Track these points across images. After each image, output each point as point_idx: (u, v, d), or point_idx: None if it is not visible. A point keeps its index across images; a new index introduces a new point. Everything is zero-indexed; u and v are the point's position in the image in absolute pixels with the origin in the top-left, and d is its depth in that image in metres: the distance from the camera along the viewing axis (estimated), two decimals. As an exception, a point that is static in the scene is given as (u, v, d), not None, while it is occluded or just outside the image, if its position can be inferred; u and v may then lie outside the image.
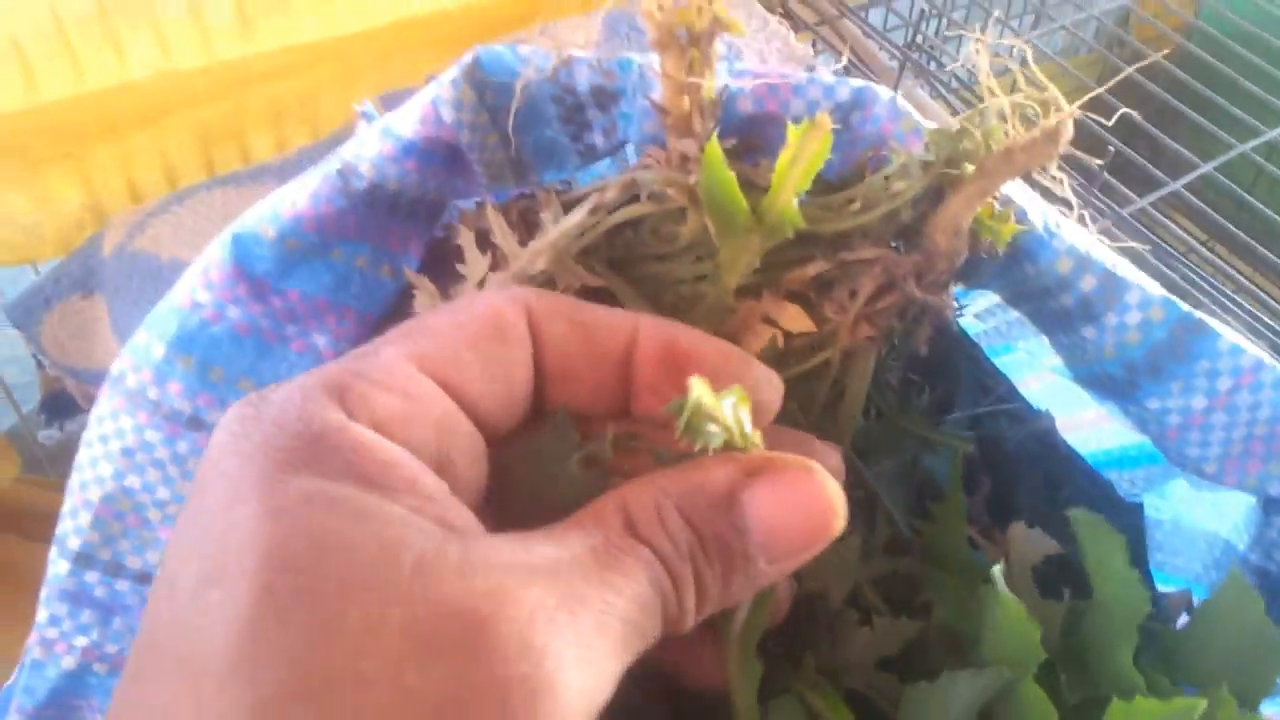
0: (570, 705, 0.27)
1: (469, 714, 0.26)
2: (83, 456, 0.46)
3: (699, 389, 0.30)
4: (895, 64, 1.11)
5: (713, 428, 0.31)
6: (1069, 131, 0.36)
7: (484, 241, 0.45)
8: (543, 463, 0.37)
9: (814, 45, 1.16)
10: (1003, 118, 0.37)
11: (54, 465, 0.97)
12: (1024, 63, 0.37)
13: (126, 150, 0.89)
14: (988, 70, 0.38)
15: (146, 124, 0.88)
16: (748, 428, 0.33)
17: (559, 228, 0.42)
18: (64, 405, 0.95)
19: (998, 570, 0.39)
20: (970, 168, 0.39)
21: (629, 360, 0.36)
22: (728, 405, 0.32)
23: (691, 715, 0.41)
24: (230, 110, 0.90)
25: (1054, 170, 0.39)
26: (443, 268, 0.48)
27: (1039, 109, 0.37)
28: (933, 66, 1.12)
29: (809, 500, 0.33)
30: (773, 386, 0.37)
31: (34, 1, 0.80)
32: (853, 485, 0.48)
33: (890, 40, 1.15)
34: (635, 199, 0.43)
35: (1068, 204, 0.41)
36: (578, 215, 0.42)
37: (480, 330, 0.34)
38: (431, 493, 0.30)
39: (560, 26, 0.87)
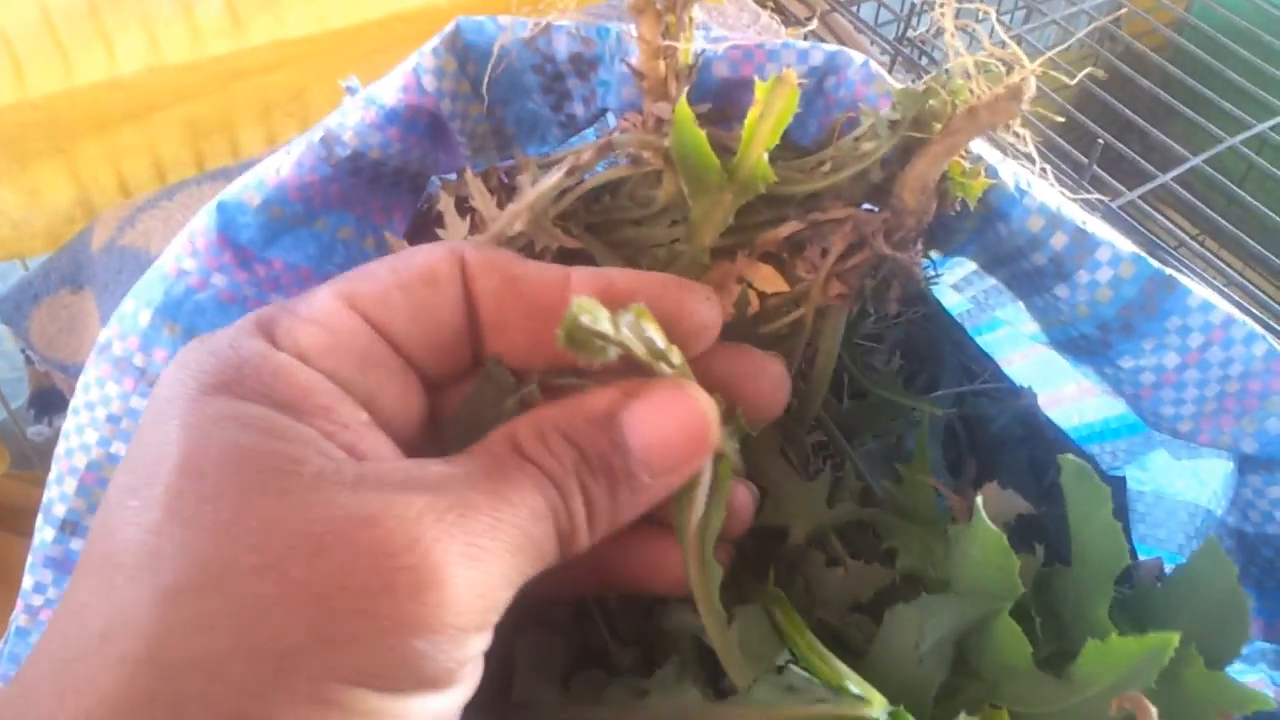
0: (459, 601, 0.29)
1: (356, 603, 0.28)
2: (69, 424, 0.46)
3: (578, 304, 0.32)
4: (886, 58, 1.12)
5: (600, 343, 0.32)
6: (1031, 89, 0.37)
7: (464, 207, 0.46)
8: (479, 408, 0.38)
9: (805, 39, 1.16)
10: (967, 75, 0.38)
11: (43, 461, 0.97)
12: (992, 32, 0.38)
13: (116, 145, 0.89)
14: (952, 30, 0.38)
15: (136, 119, 0.89)
16: (658, 343, 0.35)
17: (535, 190, 0.43)
18: (53, 401, 0.95)
19: (980, 501, 0.39)
20: (937, 126, 0.40)
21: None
22: (625, 322, 0.33)
23: (660, 654, 0.42)
24: (220, 105, 0.91)
25: (1042, 163, 0.40)
26: (426, 239, 0.48)
27: (1002, 68, 0.37)
28: (924, 61, 1.13)
29: (683, 415, 0.35)
30: (711, 305, 0.38)
31: (23, -3, 0.80)
32: (821, 452, 0.49)
33: (881, 35, 1.15)
34: (613, 163, 0.44)
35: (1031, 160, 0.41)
36: (554, 177, 0.42)
37: (412, 275, 0.36)
38: (345, 420, 0.32)
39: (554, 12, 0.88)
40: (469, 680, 0.31)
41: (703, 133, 0.39)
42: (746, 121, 0.39)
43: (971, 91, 0.38)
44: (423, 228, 0.50)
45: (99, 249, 0.85)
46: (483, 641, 0.31)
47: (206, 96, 0.91)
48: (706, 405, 0.36)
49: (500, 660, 0.41)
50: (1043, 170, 0.41)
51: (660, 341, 0.35)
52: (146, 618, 0.27)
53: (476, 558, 0.30)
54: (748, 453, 0.42)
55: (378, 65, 0.97)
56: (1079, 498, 0.41)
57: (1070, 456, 0.40)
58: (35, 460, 0.98)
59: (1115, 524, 0.40)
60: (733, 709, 0.38)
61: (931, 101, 0.39)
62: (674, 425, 0.35)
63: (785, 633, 0.39)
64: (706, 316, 0.38)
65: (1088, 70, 0.43)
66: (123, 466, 0.31)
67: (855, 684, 0.37)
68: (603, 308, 0.32)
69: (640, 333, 0.34)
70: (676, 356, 0.36)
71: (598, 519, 0.34)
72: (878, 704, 0.36)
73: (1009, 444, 0.67)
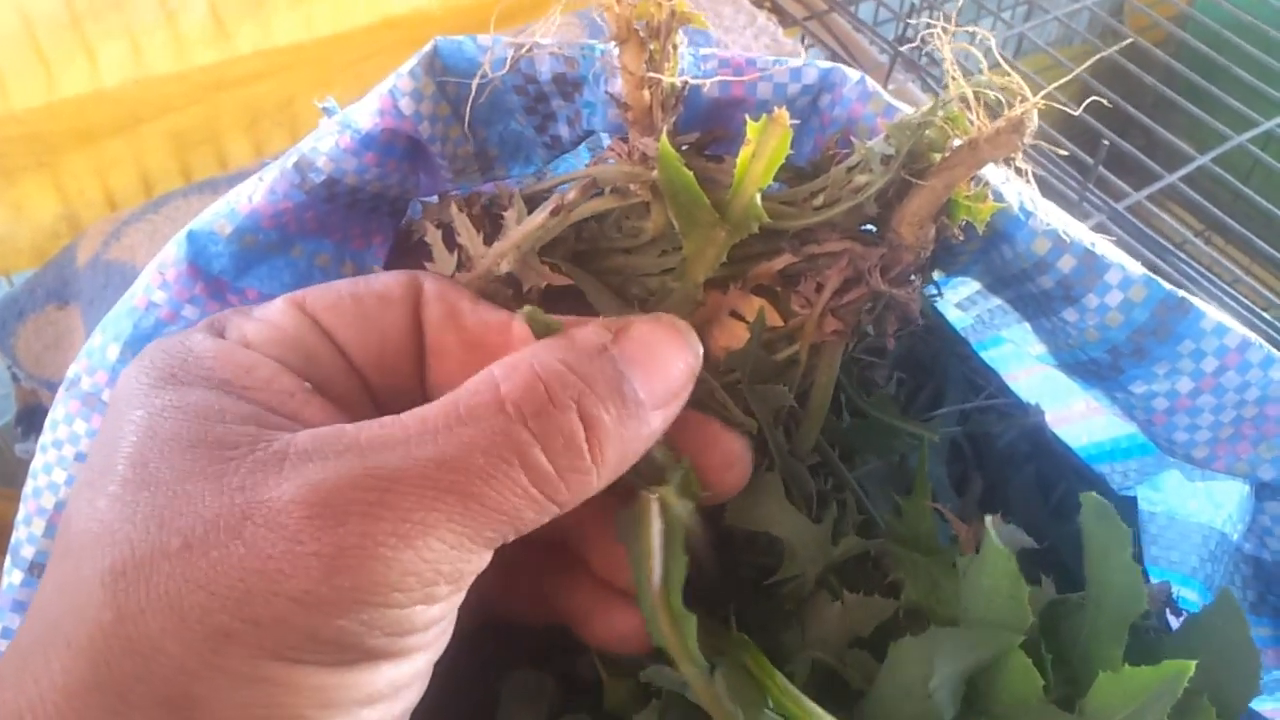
0: (382, 583, 0.29)
1: (272, 585, 0.28)
2: (37, 463, 0.44)
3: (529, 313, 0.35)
4: (886, 58, 1.10)
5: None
6: (1034, 122, 0.35)
7: (449, 235, 0.44)
8: None
9: (802, 40, 1.15)
10: (967, 104, 0.36)
11: (32, 479, 0.96)
12: (988, 53, 0.36)
13: (101, 158, 0.88)
14: (951, 58, 0.37)
15: (121, 131, 0.87)
16: None
17: (520, 229, 0.41)
18: (40, 419, 0.93)
19: (990, 521, 0.38)
20: (937, 156, 0.38)
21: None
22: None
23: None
24: (206, 115, 0.89)
25: (1046, 166, 0.38)
26: (408, 264, 0.46)
27: (1006, 99, 0.36)
28: (924, 61, 1.11)
29: (667, 341, 0.36)
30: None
31: (3, 8, 0.79)
32: (822, 471, 0.47)
33: (880, 35, 1.14)
34: (599, 194, 0.43)
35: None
36: (539, 217, 0.41)
37: (367, 290, 0.38)
38: (288, 388, 0.34)
39: (542, 27, 0.86)
40: (430, 646, 0.32)
41: (690, 173, 0.38)
42: (739, 161, 0.38)
43: (971, 122, 0.36)
44: (405, 253, 0.48)
45: (85, 264, 0.83)
46: (440, 609, 0.31)
47: (192, 107, 0.89)
48: (683, 327, 0.37)
49: (485, 695, 0.40)
50: (1046, 174, 0.39)
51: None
52: (88, 604, 0.28)
53: (406, 535, 0.29)
54: (751, 502, 0.42)
55: (366, 72, 0.96)
56: (1098, 536, 0.39)
57: (1093, 494, 0.39)
58: (22, 478, 0.96)
59: (1135, 566, 0.38)
60: None
61: (928, 132, 0.38)
62: (663, 352, 0.35)
63: (759, 681, 0.38)
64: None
65: (1091, 60, 0.41)
66: (86, 462, 0.33)
67: None
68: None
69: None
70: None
71: (607, 445, 0.33)
72: None
73: (1016, 460, 0.65)
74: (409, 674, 0.31)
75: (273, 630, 0.28)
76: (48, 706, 0.27)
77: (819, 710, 0.37)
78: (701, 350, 0.37)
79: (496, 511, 0.31)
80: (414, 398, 0.38)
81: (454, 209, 0.43)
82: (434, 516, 0.30)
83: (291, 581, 0.28)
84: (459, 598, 0.32)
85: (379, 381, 0.38)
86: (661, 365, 0.35)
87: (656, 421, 0.35)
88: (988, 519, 0.41)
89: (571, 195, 0.41)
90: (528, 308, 0.35)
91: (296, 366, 0.35)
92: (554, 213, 0.41)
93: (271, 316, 0.36)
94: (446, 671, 0.39)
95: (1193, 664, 0.34)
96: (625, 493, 0.37)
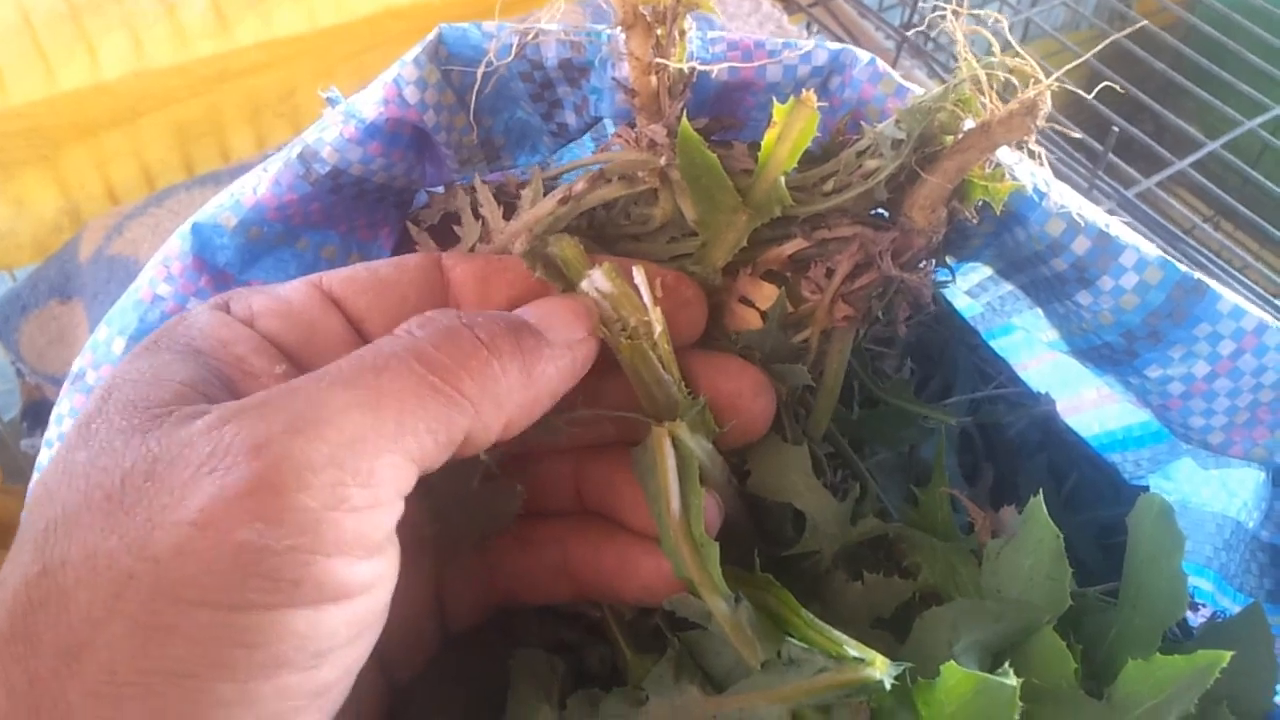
0: (277, 480, 0.28)
1: (175, 515, 0.27)
2: (42, 458, 0.44)
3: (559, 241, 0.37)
4: (891, 45, 1.10)
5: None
6: (1046, 104, 0.35)
7: (455, 222, 0.44)
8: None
9: (808, 26, 1.14)
10: (978, 87, 0.36)
11: (38, 475, 0.95)
12: (998, 35, 0.36)
13: (102, 152, 0.87)
14: (964, 40, 0.36)
15: (122, 124, 0.87)
16: (644, 296, 0.37)
17: (532, 213, 0.41)
18: (45, 414, 0.93)
19: (1037, 501, 0.38)
20: (949, 139, 0.38)
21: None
22: (595, 276, 0.37)
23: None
24: (207, 108, 0.89)
25: (1057, 151, 0.38)
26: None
27: (1018, 81, 0.35)
28: (930, 47, 1.10)
29: (554, 300, 0.37)
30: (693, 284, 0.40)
31: (2, 3, 0.78)
32: (834, 461, 0.47)
33: (886, 21, 1.13)
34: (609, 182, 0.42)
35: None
36: (549, 203, 0.41)
37: (383, 263, 0.38)
38: (256, 370, 0.34)
39: (547, 12, 0.86)
40: (357, 599, 0.29)
41: (714, 156, 0.38)
42: (764, 143, 0.38)
43: (983, 104, 0.35)
44: (412, 244, 0.47)
45: (87, 259, 0.83)
46: (353, 529, 0.29)
47: (194, 99, 0.89)
48: (586, 299, 0.37)
49: (494, 674, 0.40)
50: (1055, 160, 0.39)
51: (647, 296, 0.37)
52: (20, 562, 0.28)
53: (298, 428, 0.29)
54: (775, 472, 0.42)
55: (369, 63, 0.95)
56: (1150, 538, 0.39)
57: (1154, 495, 0.39)
58: (29, 474, 0.96)
59: (1183, 575, 0.38)
60: (736, 698, 0.37)
61: (939, 116, 0.37)
62: (557, 302, 0.37)
63: (779, 615, 0.38)
64: (690, 293, 0.40)
65: (1100, 46, 0.41)
66: None
67: (855, 648, 0.35)
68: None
69: (612, 284, 0.37)
70: (658, 321, 0.37)
71: (508, 367, 0.34)
72: (880, 665, 0.35)
73: (1027, 450, 0.65)
74: (325, 634, 0.28)
75: (172, 564, 0.27)
76: None
77: (839, 633, 0.36)
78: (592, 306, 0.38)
79: (396, 400, 0.30)
80: None
81: (478, 183, 0.43)
82: (327, 410, 0.29)
83: (188, 503, 0.27)
84: (382, 520, 0.30)
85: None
86: (549, 307, 0.37)
87: (561, 348, 0.36)
88: (1000, 514, 0.41)
89: (580, 186, 0.41)
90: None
91: (292, 341, 0.35)
92: (562, 201, 0.41)
93: (282, 291, 0.37)
94: (442, 668, 0.39)
95: (1225, 655, 0.34)
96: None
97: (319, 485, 0.28)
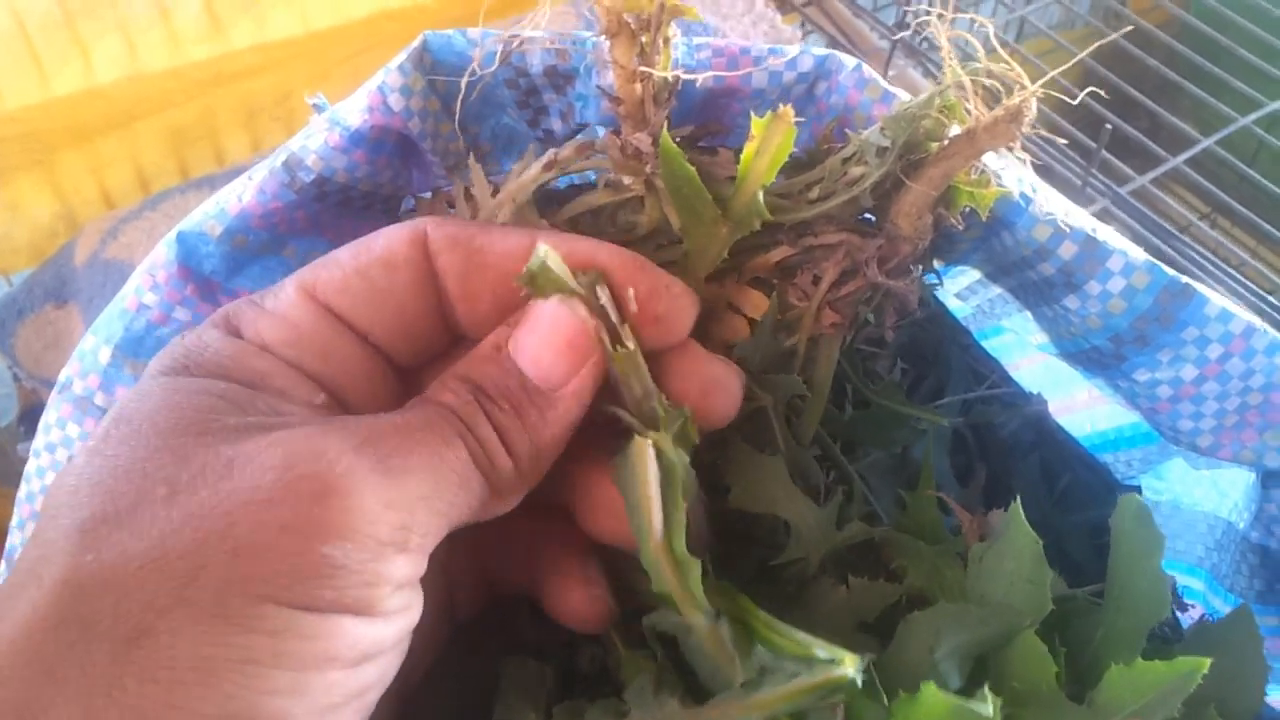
0: (368, 507, 0.30)
1: (259, 514, 0.29)
2: (30, 467, 0.44)
3: (544, 250, 0.36)
4: (886, 45, 1.10)
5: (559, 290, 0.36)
6: (1032, 110, 0.35)
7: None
8: None
9: (802, 26, 1.14)
10: (964, 92, 0.36)
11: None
12: (987, 39, 0.36)
13: (97, 156, 0.87)
14: (948, 46, 0.36)
15: (117, 128, 0.87)
16: (611, 315, 0.37)
17: (517, 181, 0.42)
18: (43, 418, 0.93)
19: (1015, 506, 0.38)
20: (934, 146, 0.38)
21: None
22: (582, 282, 0.37)
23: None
24: (202, 111, 0.89)
25: (1049, 151, 0.38)
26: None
27: (1004, 87, 0.35)
28: (924, 47, 1.10)
29: (560, 326, 0.36)
30: (675, 298, 0.39)
31: (-5, 7, 0.78)
32: (824, 464, 0.47)
33: (880, 21, 1.13)
34: (592, 186, 0.42)
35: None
36: (534, 169, 0.41)
37: (372, 260, 0.37)
38: (300, 400, 0.35)
39: (534, 19, 0.86)
40: (398, 617, 0.32)
41: (693, 169, 0.38)
42: (743, 157, 0.38)
43: (968, 111, 0.35)
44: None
45: (83, 263, 0.83)
46: (407, 567, 0.31)
47: (189, 103, 0.89)
48: (582, 313, 0.37)
49: (482, 680, 0.40)
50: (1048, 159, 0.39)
51: (613, 315, 0.37)
52: (64, 548, 0.28)
53: (387, 471, 0.31)
54: (755, 485, 0.42)
55: (363, 66, 0.95)
56: (1130, 540, 0.39)
57: (1133, 496, 0.39)
58: (25, 479, 0.96)
59: (1164, 576, 0.38)
60: (715, 709, 0.37)
61: (924, 122, 0.37)
62: (554, 337, 0.36)
63: (745, 624, 0.37)
64: (665, 308, 0.38)
65: (1094, 46, 0.41)
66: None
67: (823, 649, 0.35)
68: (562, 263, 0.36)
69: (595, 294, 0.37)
70: (630, 339, 0.37)
71: (515, 445, 0.35)
72: (848, 661, 0.34)
73: (1020, 450, 0.65)
74: (371, 641, 0.31)
75: (250, 559, 0.28)
76: (3, 643, 0.27)
77: (805, 635, 0.36)
78: (591, 320, 0.37)
79: (455, 474, 0.33)
80: (442, 352, 0.40)
81: (470, 160, 0.44)
82: (413, 461, 0.32)
83: (280, 508, 0.29)
84: (423, 564, 0.32)
85: (402, 350, 0.38)
86: (553, 349, 0.36)
87: (568, 406, 0.37)
88: (989, 517, 0.41)
89: (565, 153, 0.41)
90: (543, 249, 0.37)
91: (313, 368, 0.36)
92: (547, 167, 0.41)
93: (285, 311, 0.36)
94: (445, 666, 0.40)
95: (1206, 661, 0.34)
96: (618, 443, 0.38)
97: (395, 525, 0.31)
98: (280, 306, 0.36)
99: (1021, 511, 0.38)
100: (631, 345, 0.37)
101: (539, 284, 0.36)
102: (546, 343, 0.36)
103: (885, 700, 0.35)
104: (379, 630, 0.31)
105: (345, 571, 0.29)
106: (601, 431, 0.39)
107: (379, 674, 0.32)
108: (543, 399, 0.36)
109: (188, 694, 0.27)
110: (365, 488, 0.30)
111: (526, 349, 0.36)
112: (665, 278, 0.38)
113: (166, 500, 0.29)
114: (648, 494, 0.36)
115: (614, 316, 0.37)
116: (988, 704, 0.33)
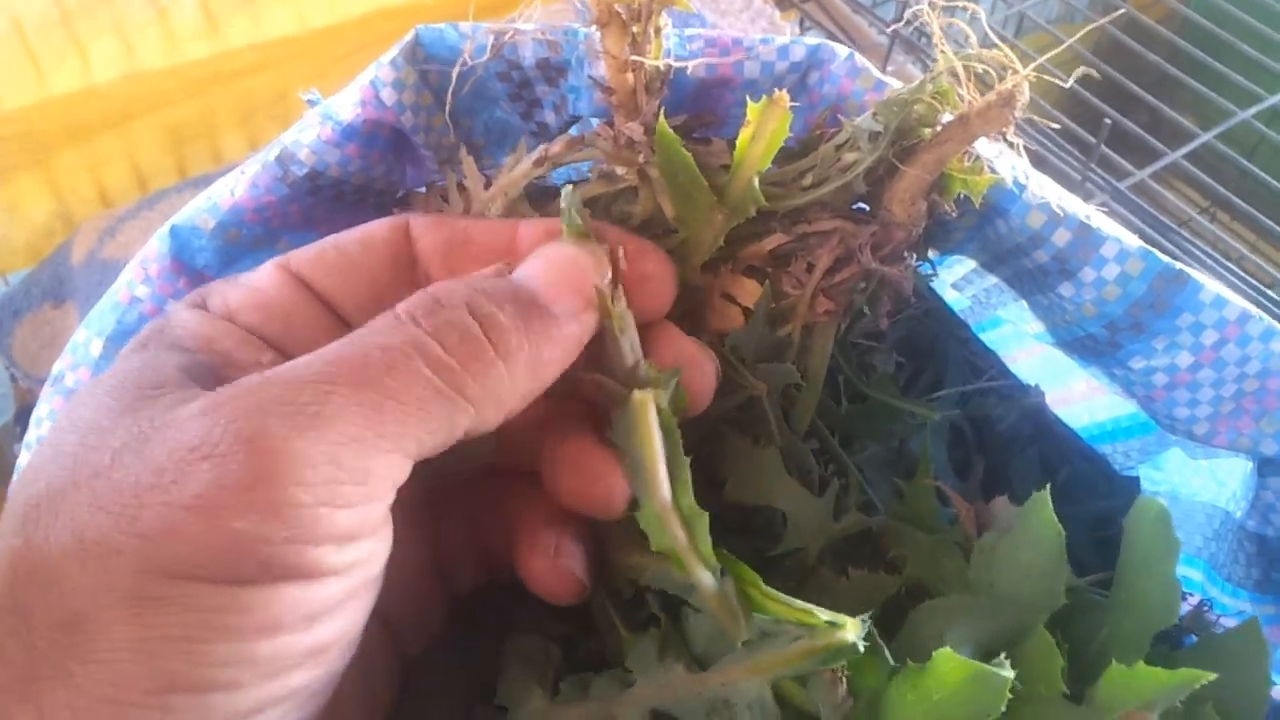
0: (277, 475, 0.28)
1: (167, 496, 0.28)
2: (23, 460, 0.44)
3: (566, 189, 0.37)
4: (885, 40, 1.10)
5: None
6: (1025, 95, 0.35)
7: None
8: None
9: (800, 23, 1.14)
10: (957, 79, 0.36)
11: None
12: (981, 28, 0.36)
13: (95, 155, 0.87)
14: (940, 32, 0.36)
15: (114, 127, 0.87)
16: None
17: (508, 176, 0.42)
18: (42, 417, 0.93)
19: (1040, 495, 0.39)
20: (927, 132, 0.38)
21: (515, 255, 0.38)
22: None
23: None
24: (200, 110, 0.89)
25: (1048, 145, 0.38)
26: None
27: (995, 74, 0.35)
28: (923, 41, 1.10)
29: (579, 259, 0.36)
30: (658, 269, 0.39)
31: (-9, 7, 0.78)
32: (820, 457, 0.47)
33: (879, 16, 1.13)
34: (586, 178, 0.42)
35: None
36: (525, 164, 0.42)
37: (349, 238, 0.39)
38: (243, 362, 0.34)
39: (526, 11, 0.86)
40: (354, 571, 0.30)
41: (689, 155, 0.38)
42: (738, 144, 0.37)
43: (961, 96, 0.35)
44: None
45: (80, 262, 0.83)
46: (351, 519, 0.30)
47: (186, 102, 0.89)
48: (594, 259, 0.37)
49: (484, 654, 0.40)
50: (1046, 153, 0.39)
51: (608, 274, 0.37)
52: (3, 532, 0.29)
53: (302, 425, 0.29)
54: (751, 477, 0.42)
55: (361, 64, 0.94)
56: (1146, 543, 0.39)
57: (1152, 499, 0.39)
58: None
59: (1176, 581, 0.38)
60: (718, 673, 0.36)
61: (917, 108, 0.37)
62: (571, 270, 0.36)
63: (745, 592, 0.37)
64: (653, 267, 0.39)
65: (1086, 31, 0.41)
66: None
67: (824, 613, 0.34)
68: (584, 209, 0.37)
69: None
70: (621, 300, 0.37)
71: (511, 345, 0.33)
72: (850, 626, 0.34)
73: (1018, 443, 0.65)
74: (319, 601, 0.29)
75: (162, 542, 0.27)
76: None
77: (803, 603, 0.35)
78: (605, 258, 0.37)
79: (399, 402, 0.30)
80: None
81: (462, 153, 0.44)
82: (331, 406, 0.29)
83: (182, 487, 0.28)
84: (375, 511, 0.31)
85: (366, 320, 0.37)
86: (559, 269, 0.36)
87: (571, 326, 0.35)
88: (992, 506, 0.41)
89: (556, 148, 0.41)
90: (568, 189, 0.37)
91: (272, 332, 0.36)
92: (538, 162, 0.41)
93: (254, 281, 0.37)
94: (446, 639, 0.39)
95: (1209, 675, 0.33)
96: (606, 411, 0.37)
97: (316, 482, 0.29)
98: (252, 279, 0.37)
99: (1049, 502, 0.38)
100: (621, 308, 0.37)
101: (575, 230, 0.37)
102: (562, 275, 0.36)
103: (890, 661, 0.35)
104: (327, 589, 0.30)
105: (264, 543, 0.28)
106: (568, 407, 0.39)
107: (338, 630, 0.31)
108: (550, 316, 0.35)
109: (132, 672, 0.27)
110: (277, 449, 0.28)
111: (538, 274, 0.35)
112: (651, 243, 0.39)
113: (89, 483, 0.29)
114: (652, 450, 0.35)
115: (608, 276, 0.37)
116: (1006, 670, 0.33)
